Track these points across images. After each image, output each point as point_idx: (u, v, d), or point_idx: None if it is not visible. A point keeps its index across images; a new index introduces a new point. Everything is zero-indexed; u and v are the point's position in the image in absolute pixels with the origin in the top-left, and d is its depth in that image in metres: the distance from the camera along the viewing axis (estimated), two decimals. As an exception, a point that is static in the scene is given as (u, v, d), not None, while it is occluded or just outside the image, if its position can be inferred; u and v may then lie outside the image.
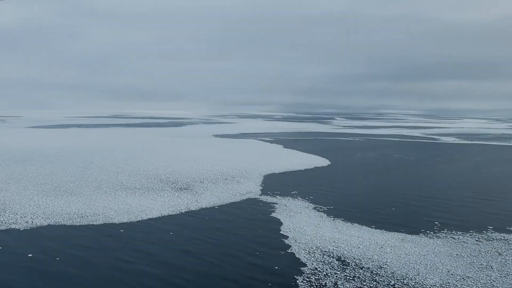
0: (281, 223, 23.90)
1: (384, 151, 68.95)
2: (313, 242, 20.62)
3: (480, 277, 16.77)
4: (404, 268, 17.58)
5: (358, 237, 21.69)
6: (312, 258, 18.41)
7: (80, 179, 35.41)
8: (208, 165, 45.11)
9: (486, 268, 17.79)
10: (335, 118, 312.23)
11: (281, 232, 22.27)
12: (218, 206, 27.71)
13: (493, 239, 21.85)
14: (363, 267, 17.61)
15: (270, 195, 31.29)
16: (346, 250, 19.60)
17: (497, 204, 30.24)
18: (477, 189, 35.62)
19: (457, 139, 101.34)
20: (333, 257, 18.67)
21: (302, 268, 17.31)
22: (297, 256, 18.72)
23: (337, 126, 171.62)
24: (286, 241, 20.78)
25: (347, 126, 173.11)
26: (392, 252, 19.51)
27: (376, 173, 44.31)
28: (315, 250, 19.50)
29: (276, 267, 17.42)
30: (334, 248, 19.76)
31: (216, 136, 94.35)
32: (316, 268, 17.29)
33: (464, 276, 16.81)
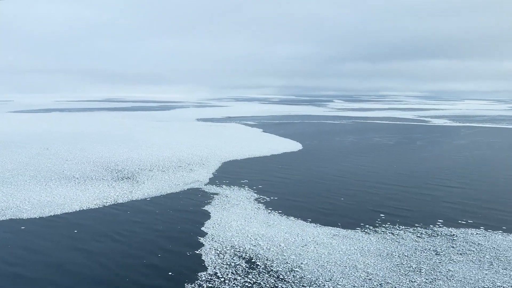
0: (209, 217, 21.71)
1: (367, 134, 66.40)
2: (232, 240, 18.44)
3: (401, 283, 14.56)
4: (318, 271, 15.39)
5: (286, 232, 19.50)
6: (219, 260, 16.24)
7: (22, 167, 33.26)
8: (171, 151, 42.86)
9: (414, 271, 15.57)
10: (334, 100, 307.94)
11: (203, 227, 20.09)
12: (151, 197, 25.53)
13: (437, 234, 19.60)
14: (272, 270, 15.44)
15: (216, 184, 29.07)
16: (263, 249, 17.42)
17: (459, 192, 27.88)
18: (445, 176, 33.24)
19: (449, 121, 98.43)
20: (244, 258, 16.50)
21: (199, 274, 15.14)
22: (203, 257, 16.55)
23: (332, 108, 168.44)
24: (202, 238, 18.61)
25: (342, 108, 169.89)
26: (315, 251, 17.31)
27: (344, 158, 41.94)
28: (228, 250, 17.32)
29: (170, 273, 15.23)
30: (251, 247, 17.58)
31: (198, 120, 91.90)
32: (216, 274, 15.11)
33: (383, 282, 14.60)
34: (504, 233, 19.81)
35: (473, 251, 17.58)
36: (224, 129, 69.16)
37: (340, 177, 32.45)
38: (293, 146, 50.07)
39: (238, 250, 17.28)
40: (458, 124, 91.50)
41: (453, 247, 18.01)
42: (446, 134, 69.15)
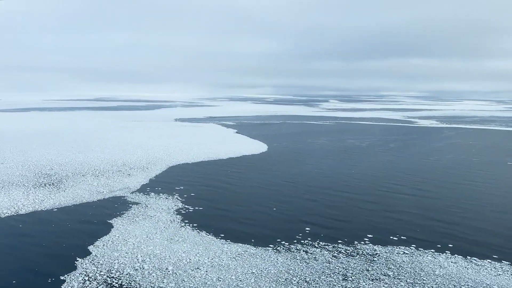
0: (108, 232, 19.24)
1: (343, 135, 63.90)
2: (114, 261, 15.96)
3: (282, 320, 12.12)
4: (190, 304, 12.94)
5: (185, 252, 17.02)
6: (80, 288, 13.80)
7: None
8: (122, 153, 40.38)
9: (306, 302, 13.12)
10: (329, 100, 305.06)
11: (93, 245, 17.59)
12: (61, 207, 23.04)
13: (357, 253, 17.11)
14: (136, 302, 13.00)
15: (145, 192, 26.59)
16: (143, 275, 14.93)
17: (409, 201, 25.37)
18: (402, 182, 30.71)
19: (436, 122, 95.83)
20: (112, 287, 14.03)
21: (44, 306, 12.72)
22: (65, 284, 14.03)
23: (322, 109, 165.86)
24: (81, 259, 16.11)
25: (332, 109, 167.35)
26: (203, 276, 14.84)
27: (305, 161, 39.41)
28: (100, 275, 14.84)
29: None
30: (131, 272, 15.10)
31: (176, 120, 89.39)
32: (63, 306, 12.69)
33: (259, 318, 12.17)
34: (436, 252, 17.36)
35: (389, 275, 15.12)
36: (197, 130, 66.70)
37: (288, 183, 29.98)
38: (257, 148, 47.61)
39: (112, 275, 14.82)
40: (444, 125, 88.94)
41: (367, 270, 15.54)
42: (426, 135, 66.63)
